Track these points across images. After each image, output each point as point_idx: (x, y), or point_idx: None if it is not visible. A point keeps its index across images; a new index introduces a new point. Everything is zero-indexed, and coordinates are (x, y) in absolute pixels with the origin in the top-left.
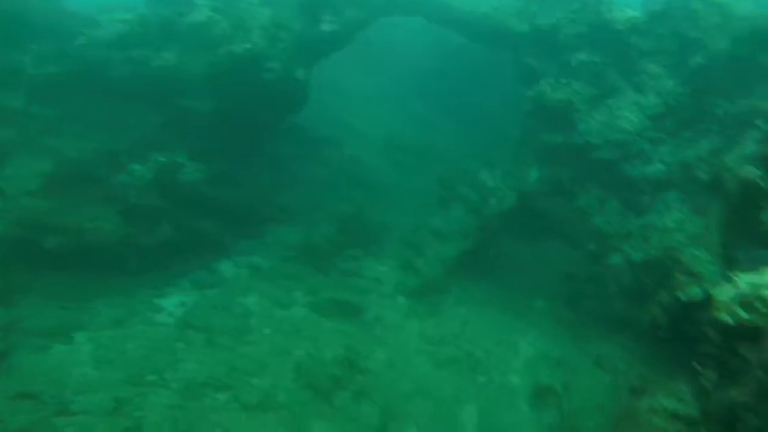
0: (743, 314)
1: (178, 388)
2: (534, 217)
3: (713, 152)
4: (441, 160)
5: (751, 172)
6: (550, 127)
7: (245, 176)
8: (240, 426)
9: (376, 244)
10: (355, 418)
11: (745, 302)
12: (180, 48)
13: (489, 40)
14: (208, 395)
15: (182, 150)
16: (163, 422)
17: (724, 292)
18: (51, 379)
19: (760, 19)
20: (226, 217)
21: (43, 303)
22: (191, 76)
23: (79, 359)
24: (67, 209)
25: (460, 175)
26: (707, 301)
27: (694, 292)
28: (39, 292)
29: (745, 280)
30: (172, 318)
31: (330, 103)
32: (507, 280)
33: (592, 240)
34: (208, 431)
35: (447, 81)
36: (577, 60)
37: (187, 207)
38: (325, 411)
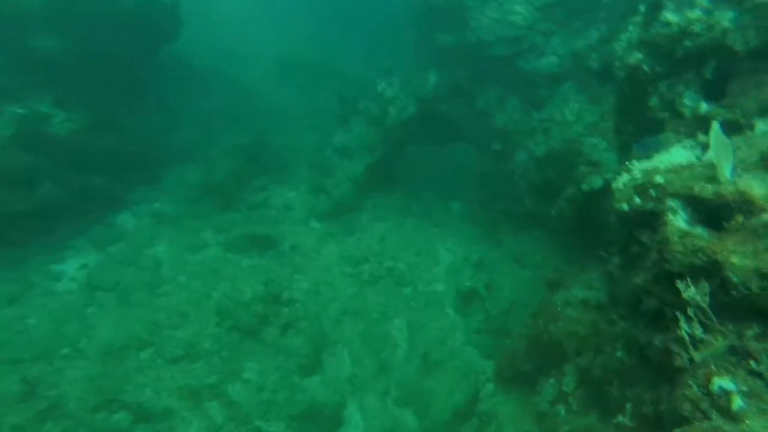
0: (638, 201)
1: (96, 356)
2: (437, 123)
3: (603, 41)
4: (337, 76)
5: (637, 58)
6: (443, 27)
7: (130, 120)
8: (169, 381)
9: (282, 171)
10: (287, 351)
11: (640, 189)
12: None
13: None
14: (130, 357)
15: (42, 98)
16: (85, 395)
17: (620, 181)
18: None
19: None
20: (116, 167)
21: None
22: (30, 11)
23: None
24: None
25: (359, 89)
26: (608, 190)
27: (596, 182)
28: None
29: (638, 168)
30: (75, 283)
31: (211, 30)
32: (419, 188)
33: (496, 139)
34: (136, 394)
35: None
36: None
37: (68, 162)
38: (255, 350)
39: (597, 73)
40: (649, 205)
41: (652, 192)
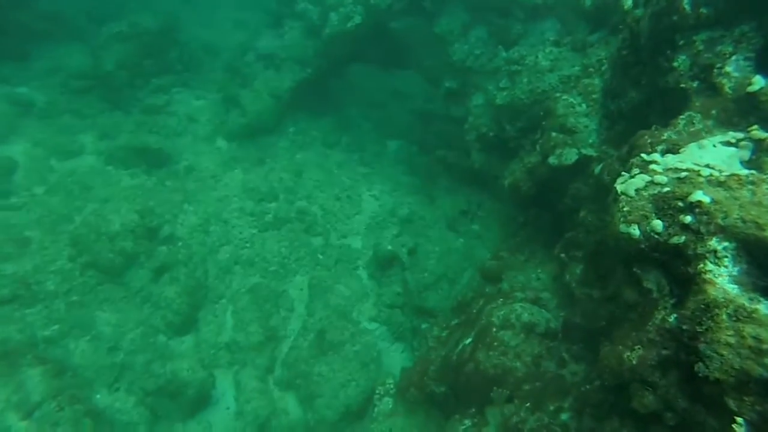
0: (659, 226)
1: None
2: (386, 42)
3: None
4: None
5: None
6: None
7: None
8: None
9: (191, 72)
10: (156, 302)
11: (665, 205)
12: None
13: None
14: None
15: None
16: None
17: (630, 183)
18: None
19: None
20: None
21: None
22: None
23: None
24: None
25: None
26: (581, 168)
27: (569, 156)
28: None
29: (665, 165)
30: None
31: None
32: (354, 118)
33: (452, 74)
34: None
35: None
36: None
37: None
38: (115, 297)
39: (588, 15)
40: (678, 239)
41: (688, 218)
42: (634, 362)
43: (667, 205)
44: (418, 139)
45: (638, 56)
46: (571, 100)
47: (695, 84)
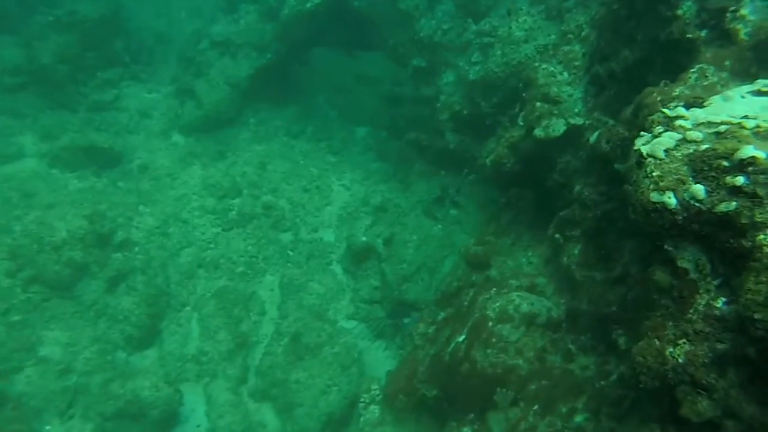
0: (702, 192)
1: None
2: (348, 22)
3: None
4: None
5: None
6: None
7: None
8: None
9: (141, 63)
10: (113, 315)
11: (705, 166)
12: None
13: None
14: None
15: None
16: None
17: (655, 144)
18: None
19: None
20: None
21: None
22: None
23: None
24: None
25: None
26: (570, 139)
27: (557, 127)
28: None
29: (694, 119)
30: None
31: None
32: (318, 105)
33: (419, 52)
34: None
35: None
36: None
37: None
38: (65, 313)
39: None
40: (727, 206)
41: (740, 179)
42: (680, 360)
43: (708, 165)
44: (387, 124)
45: (632, 8)
46: (552, 68)
47: (704, 33)
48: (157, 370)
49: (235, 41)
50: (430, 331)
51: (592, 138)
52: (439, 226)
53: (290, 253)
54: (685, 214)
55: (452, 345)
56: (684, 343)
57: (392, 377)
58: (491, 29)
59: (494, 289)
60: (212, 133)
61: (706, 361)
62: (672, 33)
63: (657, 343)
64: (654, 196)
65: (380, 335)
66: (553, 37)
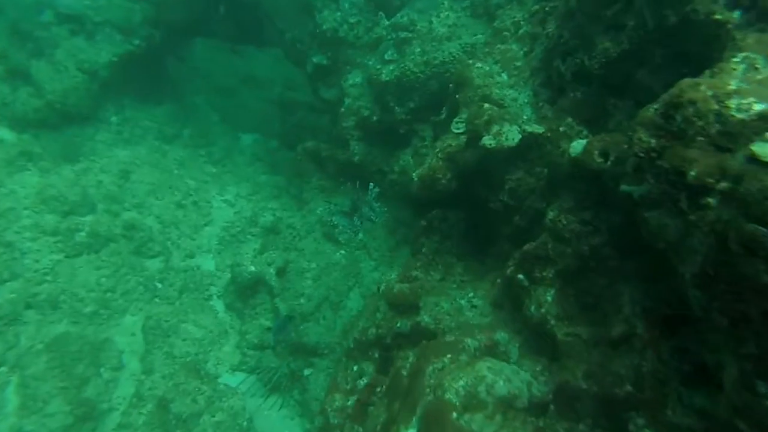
0: None
1: None
2: (238, 10)
3: None
4: None
5: None
6: None
7: None
8: None
9: None
10: None
11: None
12: None
13: None
14: None
15: None
16: None
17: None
18: None
19: None
20: None
21: None
22: None
23: None
24: None
25: None
26: (522, 152)
27: (510, 135)
28: None
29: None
30: None
31: None
32: (198, 105)
33: (320, 49)
34: None
35: None
36: None
37: None
38: None
39: None
40: None
41: None
42: None
43: None
44: (280, 131)
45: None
46: (488, 68)
47: (736, 14)
48: None
49: (91, 18)
50: (349, 404)
51: (574, 150)
52: (342, 251)
53: (158, 285)
54: None
55: None
56: None
57: None
58: (410, 23)
59: (449, 355)
60: (57, 131)
61: None
62: (696, 12)
63: None
64: None
65: (274, 388)
66: (480, 36)
